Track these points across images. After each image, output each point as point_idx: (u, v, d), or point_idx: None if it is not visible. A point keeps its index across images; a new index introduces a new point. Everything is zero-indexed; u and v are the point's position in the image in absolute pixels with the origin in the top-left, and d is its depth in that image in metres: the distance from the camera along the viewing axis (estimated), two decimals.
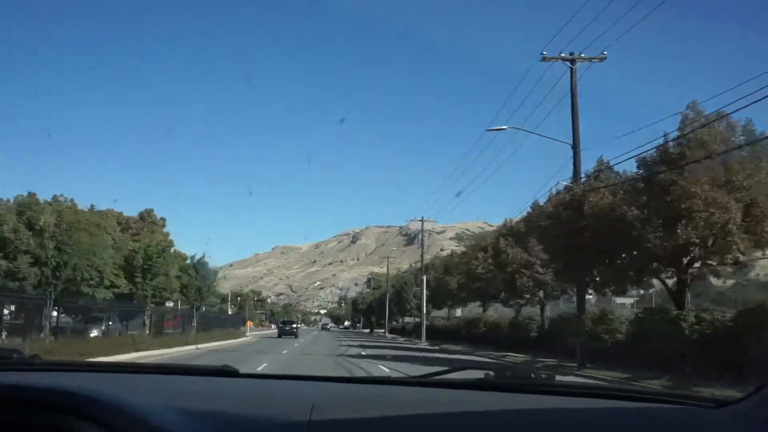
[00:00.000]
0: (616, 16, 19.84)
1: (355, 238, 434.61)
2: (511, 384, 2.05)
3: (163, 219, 51.37)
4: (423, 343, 45.55)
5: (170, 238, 51.54)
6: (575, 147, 21.83)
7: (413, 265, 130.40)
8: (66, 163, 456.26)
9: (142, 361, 16.87)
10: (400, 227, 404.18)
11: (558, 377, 2.21)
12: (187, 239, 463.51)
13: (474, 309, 55.86)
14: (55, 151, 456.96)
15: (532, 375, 2.12)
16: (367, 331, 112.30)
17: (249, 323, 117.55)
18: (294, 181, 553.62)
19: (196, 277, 46.58)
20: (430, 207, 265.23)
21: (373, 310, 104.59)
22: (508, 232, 30.77)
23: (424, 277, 50.58)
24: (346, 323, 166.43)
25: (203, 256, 49.40)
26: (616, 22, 20.30)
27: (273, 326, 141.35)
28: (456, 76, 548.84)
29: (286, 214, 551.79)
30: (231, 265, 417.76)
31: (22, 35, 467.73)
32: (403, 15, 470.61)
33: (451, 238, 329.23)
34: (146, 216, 50.11)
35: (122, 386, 1.83)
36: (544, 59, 22.68)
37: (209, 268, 49.92)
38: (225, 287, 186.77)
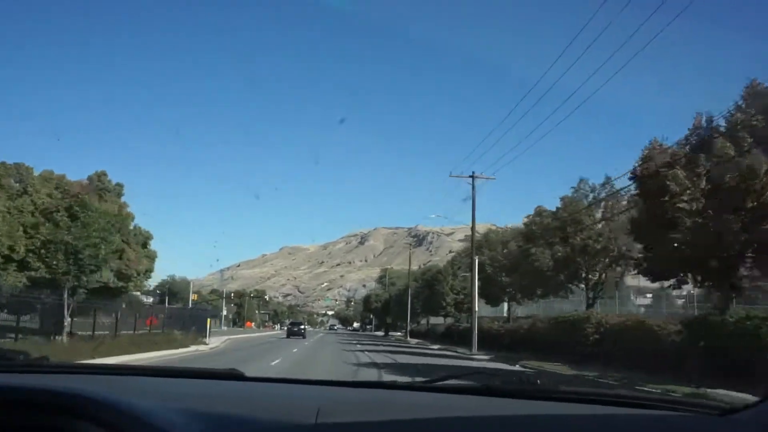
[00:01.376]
0: None
1: (363, 239, 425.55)
2: (516, 390, 1.99)
3: (119, 185, 37.39)
4: (478, 355, 30.96)
5: (129, 210, 37.57)
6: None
7: (422, 266, 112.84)
8: (72, 162, 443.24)
9: None
10: (409, 228, 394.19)
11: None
12: (195, 239, 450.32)
13: (524, 306, 41.44)
14: (62, 152, 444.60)
15: (537, 381, 2.04)
16: (381, 333, 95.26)
17: (249, 323, 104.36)
18: (302, 182, 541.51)
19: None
20: (438, 207, 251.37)
21: (388, 310, 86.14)
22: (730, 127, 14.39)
23: (476, 258, 34.82)
24: (355, 324, 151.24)
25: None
26: None
27: (277, 327, 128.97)
28: (461, 77, 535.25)
29: (294, 214, 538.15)
30: (239, 265, 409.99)
31: (23, 33, 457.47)
32: (409, 16, 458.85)
33: (460, 240, 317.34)
34: (96, 179, 36.17)
35: (129, 389, 1.82)
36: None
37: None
38: (231, 288, 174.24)
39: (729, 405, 1.70)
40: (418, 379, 2.27)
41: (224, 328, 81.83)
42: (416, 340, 59.46)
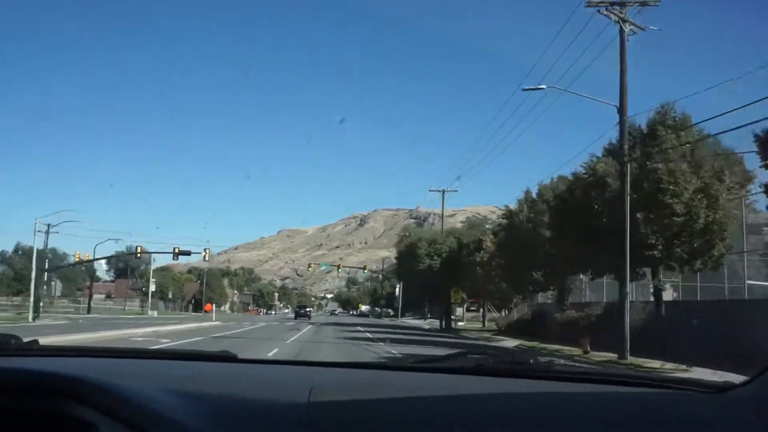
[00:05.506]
0: None
1: (362, 222, 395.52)
2: (509, 369, 1.94)
3: None
4: None
5: None
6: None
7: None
8: (59, 151, 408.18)
9: None
10: (410, 210, 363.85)
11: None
12: (191, 222, 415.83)
13: None
14: (51, 141, 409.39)
15: (531, 360, 1.94)
16: (424, 324, 57.11)
17: (209, 306, 69.68)
18: (301, 164, 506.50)
19: None
20: (441, 187, 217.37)
21: (453, 275, 44.15)
22: None
23: None
24: (363, 308, 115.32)
25: None
26: None
27: (263, 311, 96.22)
28: (464, 59, 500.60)
29: (293, 197, 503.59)
30: (236, 249, 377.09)
31: (16, 25, 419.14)
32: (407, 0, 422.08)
33: (461, 222, 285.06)
34: None
35: (122, 372, 1.78)
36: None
37: None
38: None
39: (724, 382, 1.64)
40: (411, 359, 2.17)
41: (153, 313, 47.69)
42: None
